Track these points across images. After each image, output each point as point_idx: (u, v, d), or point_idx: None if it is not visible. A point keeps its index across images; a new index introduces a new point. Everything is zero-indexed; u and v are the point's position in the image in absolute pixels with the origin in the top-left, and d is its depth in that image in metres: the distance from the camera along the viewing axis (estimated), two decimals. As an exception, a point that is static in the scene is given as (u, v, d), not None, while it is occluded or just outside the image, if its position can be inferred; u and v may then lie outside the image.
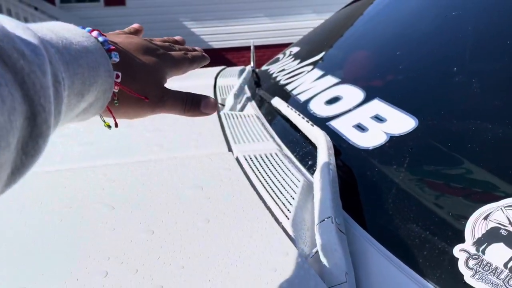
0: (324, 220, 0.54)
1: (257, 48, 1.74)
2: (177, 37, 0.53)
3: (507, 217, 0.48)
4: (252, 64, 1.67)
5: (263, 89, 1.29)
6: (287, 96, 1.06)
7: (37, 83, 0.24)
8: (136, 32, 0.48)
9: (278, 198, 0.61)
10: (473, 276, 0.46)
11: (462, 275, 0.47)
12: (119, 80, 0.37)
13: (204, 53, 0.50)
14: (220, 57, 6.68)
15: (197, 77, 1.62)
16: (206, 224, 0.55)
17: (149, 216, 0.57)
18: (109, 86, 0.35)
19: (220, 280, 0.45)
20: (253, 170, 0.70)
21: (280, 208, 0.59)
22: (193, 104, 0.44)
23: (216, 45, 6.79)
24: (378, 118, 0.73)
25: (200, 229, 0.54)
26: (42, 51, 0.26)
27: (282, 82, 1.22)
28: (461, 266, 0.47)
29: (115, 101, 0.38)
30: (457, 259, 0.48)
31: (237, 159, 0.76)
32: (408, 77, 0.79)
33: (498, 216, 0.49)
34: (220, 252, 0.49)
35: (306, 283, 0.45)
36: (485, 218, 0.50)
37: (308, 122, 0.78)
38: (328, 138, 0.70)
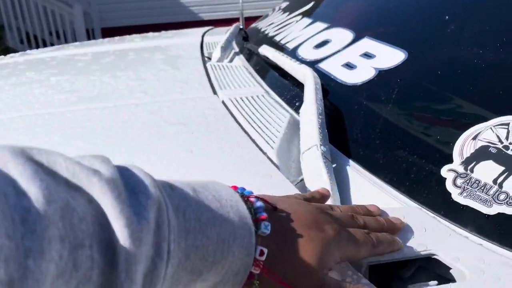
0: (309, 148, 0.53)
1: (251, 19, 1.69)
2: (371, 207, 0.41)
3: (496, 135, 0.47)
4: (241, 22, 1.62)
5: (251, 42, 1.26)
6: (276, 46, 1.03)
7: (121, 252, 0.19)
8: (320, 199, 0.40)
9: (263, 132, 0.60)
10: (460, 193, 0.45)
11: (449, 194, 0.46)
12: (263, 258, 0.28)
13: (396, 239, 0.38)
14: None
15: (183, 35, 1.57)
16: (189, 154, 0.53)
17: (131, 150, 0.55)
18: (245, 267, 0.27)
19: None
20: (238, 110, 0.68)
21: (265, 140, 0.57)
22: None
23: (206, 16, 6.63)
24: (367, 55, 0.71)
25: (183, 159, 0.52)
26: (148, 214, 0.21)
27: (270, 34, 1.18)
28: (449, 185, 0.46)
29: (255, 284, 0.28)
30: (445, 179, 0.47)
31: (223, 102, 0.74)
32: (396, 13, 0.76)
33: (487, 135, 0.48)
34: (202, 179, 0.48)
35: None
36: (474, 138, 0.48)
37: (295, 61, 0.76)
38: (315, 74, 0.68)
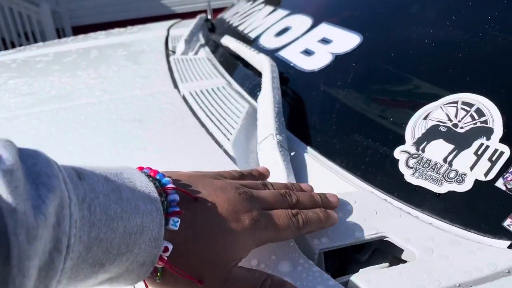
0: (266, 138, 0.53)
1: (223, 10, 1.67)
2: (305, 186, 0.40)
3: (446, 114, 0.47)
4: (209, 13, 1.60)
5: (216, 34, 1.24)
6: (239, 36, 1.02)
7: (14, 247, 0.18)
8: (258, 177, 0.38)
9: (221, 124, 0.59)
10: (413, 174, 0.45)
11: (402, 175, 0.46)
12: (167, 254, 0.27)
13: (330, 214, 0.37)
14: (186, 22, 6.39)
15: (148, 30, 1.54)
16: (143, 151, 0.52)
17: (83, 150, 0.54)
18: (151, 259, 0.27)
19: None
20: (197, 103, 0.67)
21: (222, 132, 0.56)
22: None
23: (179, 9, 6.53)
24: (325, 41, 0.71)
25: (137, 156, 0.51)
26: (47, 208, 0.20)
27: (235, 24, 1.17)
28: (402, 167, 0.47)
29: (158, 278, 0.28)
30: (398, 160, 0.47)
31: (183, 96, 0.73)
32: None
33: (437, 114, 0.48)
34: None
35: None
36: (425, 118, 0.49)
37: (254, 51, 0.75)
38: (273, 62, 0.67)
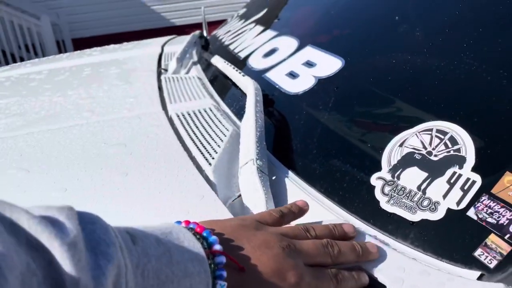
0: (246, 163, 0.53)
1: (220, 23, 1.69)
2: (347, 227, 0.41)
3: (421, 141, 0.48)
4: (204, 28, 1.62)
5: (209, 52, 1.26)
6: (230, 55, 1.03)
7: None
8: (298, 213, 0.39)
9: (205, 148, 0.60)
10: (388, 201, 0.46)
11: (378, 202, 0.46)
12: None
13: (362, 276, 0.38)
14: (185, 34, 6.44)
15: (144, 46, 1.56)
16: (124, 177, 0.52)
17: (65, 176, 0.54)
18: None
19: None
20: (183, 125, 0.68)
21: (204, 156, 0.57)
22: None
23: (179, 22, 6.59)
24: (309, 64, 0.72)
25: (117, 183, 0.51)
26: (106, 280, 0.21)
27: (226, 43, 1.18)
28: (378, 193, 0.47)
29: None
30: (374, 187, 0.48)
31: (170, 118, 0.74)
32: (337, 21, 0.77)
33: (413, 142, 0.49)
34: (133, 201, 0.47)
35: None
36: (401, 145, 0.49)
37: (240, 73, 0.76)
38: (257, 86, 0.68)
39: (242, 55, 0.97)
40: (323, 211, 0.49)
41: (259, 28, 1.05)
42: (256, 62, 0.87)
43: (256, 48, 0.94)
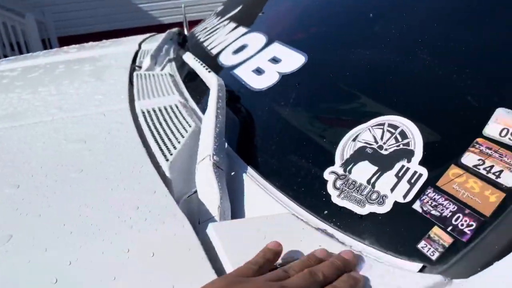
0: (203, 159, 0.53)
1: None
2: (320, 253, 0.40)
3: (373, 135, 0.48)
4: (185, 26, 1.61)
5: (186, 49, 1.25)
6: (204, 52, 1.03)
7: None
8: (274, 257, 0.39)
9: (165, 144, 0.59)
10: (339, 195, 0.46)
11: (330, 196, 0.47)
12: None
13: (356, 277, 0.37)
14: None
15: (122, 43, 1.55)
16: (79, 174, 0.52)
17: (20, 172, 0.54)
18: None
19: (76, 224, 0.42)
20: (146, 122, 0.68)
21: (163, 153, 0.57)
22: None
23: (166, 20, 6.55)
24: (275, 60, 0.72)
25: (71, 179, 0.51)
26: None
27: (201, 40, 1.18)
28: (330, 188, 0.47)
29: None
30: (327, 181, 0.48)
31: (135, 115, 0.73)
32: (303, 17, 0.78)
33: (365, 136, 0.49)
34: (84, 198, 0.47)
35: (167, 218, 0.43)
36: (354, 139, 0.50)
37: (207, 69, 0.76)
38: (221, 82, 0.68)
39: (214, 51, 0.97)
40: (278, 206, 0.49)
41: (232, 25, 1.05)
42: (227, 59, 0.87)
43: (227, 45, 0.93)
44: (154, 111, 0.72)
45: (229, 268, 0.38)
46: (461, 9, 0.52)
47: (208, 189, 0.50)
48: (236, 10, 1.15)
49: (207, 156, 0.53)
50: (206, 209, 0.48)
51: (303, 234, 0.42)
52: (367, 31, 0.61)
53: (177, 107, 0.74)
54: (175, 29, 1.44)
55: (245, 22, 1.00)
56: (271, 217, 0.44)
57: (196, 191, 0.52)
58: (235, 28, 1.01)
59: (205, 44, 1.10)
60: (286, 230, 0.42)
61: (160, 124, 0.66)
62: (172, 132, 0.63)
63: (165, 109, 0.73)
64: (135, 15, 6.15)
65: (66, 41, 5.78)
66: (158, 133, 0.63)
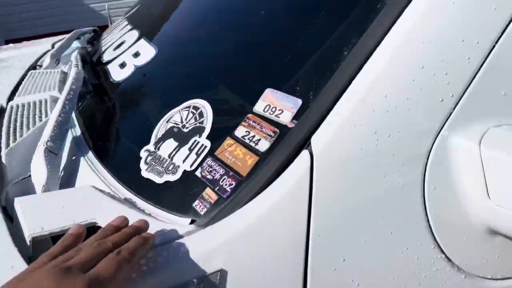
0: (39, 146, 0.58)
1: None
2: (116, 220, 0.41)
3: (181, 117, 0.55)
4: (109, 24, 1.64)
5: (94, 47, 1.29)
6: (101, 49, 1.08)
7: None
8: (75, 241, 0.38)
9: (15, 134, 0.64)
10: (147, 169, 0.53)
11: (140, 171, 0.53)
12: None
13: (146, 237, 0.39)
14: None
15: (38, 44, 1.56)
16: None
17: None
18: None
19: None
20: (10, 116, 0.72)
21: (8, 142, 0.62)
22: None
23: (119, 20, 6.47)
24: (136, 54, 0.78)
25: None
26: None
27: (103, 37, 1.22)
28: (142, 163, 0.54)
29: None
30: (141, 158, 0.55)
31: (4, 109, 0.77)
32: (163, 15, 0.84)
33: (176, 117, 0.56)
34: None
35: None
36: (168, 121, 0.56)
37: (75, 64, 0.81)
38: (79, 76, 0.73)
39: (104, 48, 1.02)
40: (103, 185, 0.55)
41: (125, 23, 1.10)
42: (108, 55, 0.92)
43: (113, 42, 0.99)
44: (23, 105, 0.77)
45: (28, 238, 0.44)
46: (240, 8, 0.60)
47: (37, 172, 0.55)
48: (134, 10, 1.20)
49: (43, 142, 0.58)
50: (34, 190, 0.54)
51: (102, 204, 0.48)
52: (197, 29, 0.68)
53: (46, 101, 0.78)
54: (86, 28, 1.47)
55: (132, 20, 1.05)
56: (73, 190, 0.50)
57: (30, 175, 0.57)
58: (125, 26, 1.06)
59: (103, 42, 1.14)
60: (86, 202, 0.48)
61: (22, 117, 0.71)
62: (29, 124, 0.68)
63: (34, 103, 0.77)
64: (86, 15, 6.03)
65: (14, 43, 5.63)
66: (15, 125, 0.68)
